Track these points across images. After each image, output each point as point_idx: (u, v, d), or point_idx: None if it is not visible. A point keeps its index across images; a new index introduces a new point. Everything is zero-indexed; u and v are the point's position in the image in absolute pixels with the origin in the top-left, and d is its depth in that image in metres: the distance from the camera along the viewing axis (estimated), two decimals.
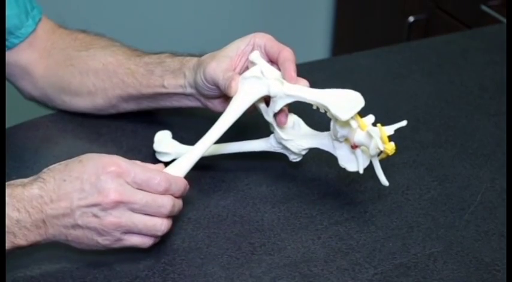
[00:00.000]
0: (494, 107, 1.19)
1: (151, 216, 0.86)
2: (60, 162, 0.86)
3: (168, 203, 0.86)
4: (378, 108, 1.16)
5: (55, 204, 0.84)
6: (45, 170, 0.86)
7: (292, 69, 0.95)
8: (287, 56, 0.96)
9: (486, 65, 1.30)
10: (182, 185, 0.88)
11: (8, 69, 1.09)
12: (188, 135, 1.03)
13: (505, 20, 1.82)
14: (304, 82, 0.95)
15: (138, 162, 0.87)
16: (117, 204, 0.84)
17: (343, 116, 0.89)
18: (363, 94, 0.92)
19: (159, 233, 0.87)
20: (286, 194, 1.00)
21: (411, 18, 2.11)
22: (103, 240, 0.85)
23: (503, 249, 0.92)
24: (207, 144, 0.92)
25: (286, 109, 0.97)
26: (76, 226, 0.84)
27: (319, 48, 2.58)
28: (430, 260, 0.91)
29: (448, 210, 0.99)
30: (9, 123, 1.05)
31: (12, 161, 1.02)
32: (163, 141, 1.03)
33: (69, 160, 0.86)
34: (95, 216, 0.84)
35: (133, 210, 0.85)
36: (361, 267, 0.90)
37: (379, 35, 2.33)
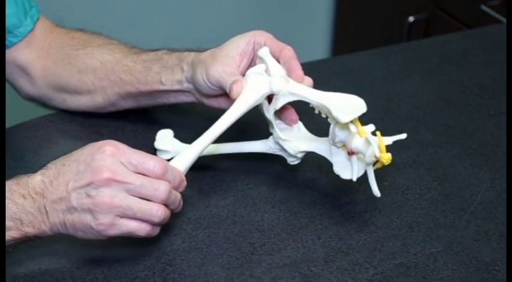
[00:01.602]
0: (494, 107, 1.19)
1: (147, 201, 0.84)
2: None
3: (165, 187, 0.84)
4: (378, 108, 1.17)
5: (54, 188, 0.84)
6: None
7: (298, 68, 0.94)
8: (289, 54, 0.96)
9: (486, 65, 1.30)
10: (178, 175, 0.87)
11: (6, 68, 1.09)
12: (188, 135, 1.02)
13: (505, 20, 1.82)
14: (309, 81, 0.95)
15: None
16: (109, 182, 0.82)
17: (344, 118, 0.89)
18: (362, 94, 0.92)
19: (156, 219, 0.85)
20: (287, 194, 1.00)
21: (411, 18, 2.11)
22: (97, 225, 0.83)
23: (503, 249, 0.92)
24: (207, 142, 0.92)
25: (290, 107, 0.96)
26: (72, 209, 0.83)
27: (319, 48, 2.58)
28: (430, 260, 0.91)
29: (448, 210, 0.98)
30: (9, 123, 1.05)
31: (12, 161, 1.02)
32: (164, 139, 1.03)
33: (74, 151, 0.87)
34: (88, 196, 0.83)
35: (128, 192, 0.83)
36: (361, 267, 0.90)
37: (379, 35, 2.33)
